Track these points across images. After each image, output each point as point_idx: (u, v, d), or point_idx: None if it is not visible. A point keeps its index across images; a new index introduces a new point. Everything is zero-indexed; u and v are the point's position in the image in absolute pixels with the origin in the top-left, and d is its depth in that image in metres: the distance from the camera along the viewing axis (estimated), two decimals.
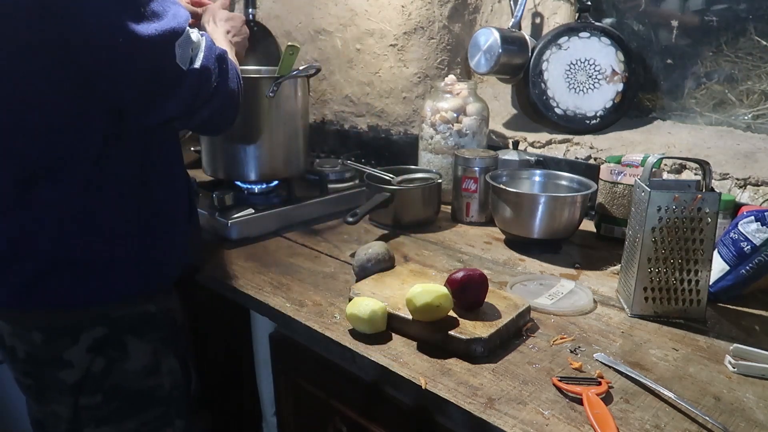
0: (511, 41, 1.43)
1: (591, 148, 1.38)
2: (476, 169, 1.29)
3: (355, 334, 0.85)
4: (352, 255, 1.05)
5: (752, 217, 0.92)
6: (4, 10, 0.67)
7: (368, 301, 0.85)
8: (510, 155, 1.37)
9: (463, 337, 0.79)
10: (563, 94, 1.43)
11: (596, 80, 1.41)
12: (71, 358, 0.82)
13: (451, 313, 0.84)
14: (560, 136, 1.43)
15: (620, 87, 1.41)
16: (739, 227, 0.93)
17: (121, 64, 0.72)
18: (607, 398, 0.71)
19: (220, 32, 1.01)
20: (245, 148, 1.29)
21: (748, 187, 1.15)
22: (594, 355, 0.80)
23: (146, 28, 0.71)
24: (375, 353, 0.80)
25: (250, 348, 1.30)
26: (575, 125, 1.43)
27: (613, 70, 1.40)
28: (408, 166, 1.45)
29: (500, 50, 1.41)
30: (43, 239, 0.79)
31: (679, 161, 1.23)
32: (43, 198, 0.78)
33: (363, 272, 0.99)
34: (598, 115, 1.42)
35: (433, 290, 0.81)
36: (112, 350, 0.85)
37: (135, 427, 0.88)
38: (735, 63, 1.28)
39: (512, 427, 0.66)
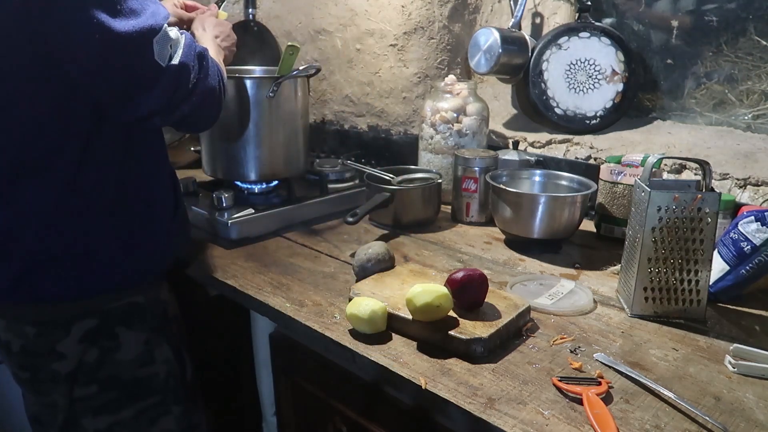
0: (511, 41, 1.43)
1: (591, 148, 1.38)
2: (476, 169, 1.29)
3: (355, 334, 0.85)
4: (352, 255, 1.05)
5: (752, 217, 0.92)
6: None
7: (368, 301, 0.85)
8: (510, 155, 1.37)
9: (463, 337, 0.79)
10: (563, 94, 1.43)
11: (596, 80, 1.41)
12: (64, 350, 0.84)
13: (451, 313, 0.84)
14: (560, 136, 1.43)
15: (620, 87, 1.41)
16: (739, 227, 0.93)
17: (98, 60, 0.73)
18: (607, 398, 0.71)
19: (208, 36, 1.04)
20: (245, 148, 1.29)
21: (748, 187, 1.15)
22: (594, 355, 0.80)
23: (123, 25, 0.71)
24: (375, 353, 0.80)
25: (250, 348, 1.30)
26: (575, 125, 1.43)
27: (613, 70, 1.40)
28: (408, 166, 1.45)
29: (500, 50, 1.41)
30: (28, 235, 0.80)
31: (679, 161, 1.23)
32: (28, 195, 0.79)
33: (363, 272, 0.99)
34: (598, 115, 1.42)
35: (433, 290, 0.81)
36: (104, 341, 0.86)
37: (132, 416, 0.90)
38: (735, 63, 1.28)
39: (512, 427, 0.66)
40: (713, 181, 1.17)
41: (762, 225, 0.90)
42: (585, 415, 0.67)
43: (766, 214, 0.90)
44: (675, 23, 1.35)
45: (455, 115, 1.40)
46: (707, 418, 0.66)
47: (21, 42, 0.71)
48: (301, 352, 1.00)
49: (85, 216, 0.82)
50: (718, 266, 0.94)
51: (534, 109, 1.46)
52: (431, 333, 0.82)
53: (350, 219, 1.17)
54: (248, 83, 1.25)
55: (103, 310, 0.86)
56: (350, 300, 0.88)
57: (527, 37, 1.46)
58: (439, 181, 1.33)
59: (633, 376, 0.74)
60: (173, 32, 0.80)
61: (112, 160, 0.83)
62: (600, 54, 1.40)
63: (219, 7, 1.61)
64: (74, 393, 0.86)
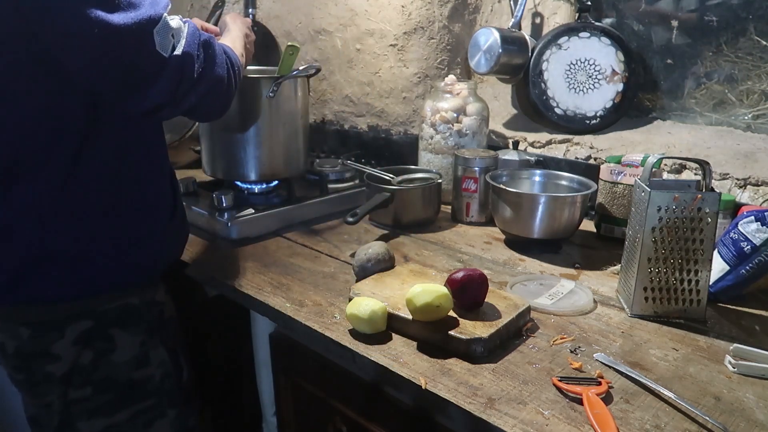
0: (511, 41, 1.43)
1: (591, 148, 1.38)
2: (476, 169, 1.29)
3: (355, 334, 0.85)
4: (352, 255, 1.05)
5: (752, 217, 0.92)
6: None
7: (368, 301, 0.85)
8: (510, 155, 1.37)
9: (463, 337, 0.79)
10: (563, 94, 1.43)
11: (596, 80, 1.41)
12: (58, 352, 0.83)
13: (451, 313, 0.84)
14: (560, 136, 1.43)
15: (620, 87, 1.41)
16: (739, 227, 0.93)
17: (99, 56, 0.72)
18: (607, 398, 0.71)
19: (238, 32, 1.04)
20: (245, 148, 1.29)
21: (748, 187, 1.15)
22: (594, 355, 0.80)
23: (121, 18, 0.71)
24: (375, 353, 0.80)
25: (250, 348, 1.30)
26: (575, 125, 1.43)
27: (613, 70, 1.40)
28: (408, 166, 1.45)
29: (500, 50, 1.41)
30: (23, 235, 0.79)
31: (679, 161, 1.23)
32: (23, 194, 0.78)
33: (363, 272, 0.99)
34: (598, 115, 1.42)
35: (433, 290, 0.81)
36: (99, 342, 0.86)
37: (127, 418, 0.89)
38: (735, 63, 1.28)
39: (512, 427, 0.66)
40: (713, 181, 1.17)
41: (762, 225, 0.90)
42: (585, 415, 0.67)
43: (766, 214, 0.90)
44: (675, 23, 1.35)
45: (455, 115, 1.40)
46: (707, 418, 0.66)
47: (15, 41, 0.71)
48: (301, 352, 1.00)
49: (79, 216, 0.81)
50: (718, 266, 0.94)
51: (534, 109, 1.46)
52: (431, 333, 0.82)
53: (350, 219, 1.17)
54: (248, 83, 1.25)
55: (98, 311, 0.85)
56: (350, 300, 0.88)
57: (527, 37, 1.46)
58: (439, 181, 1.33)
59: (633, 376, 0.74)
60: (174, 21, 0.78)
61: (108, 160, 0.83)
62: (600, 54, 1.40)
63: (220, 8, 1.62)
64: (69, 395, 0.85)
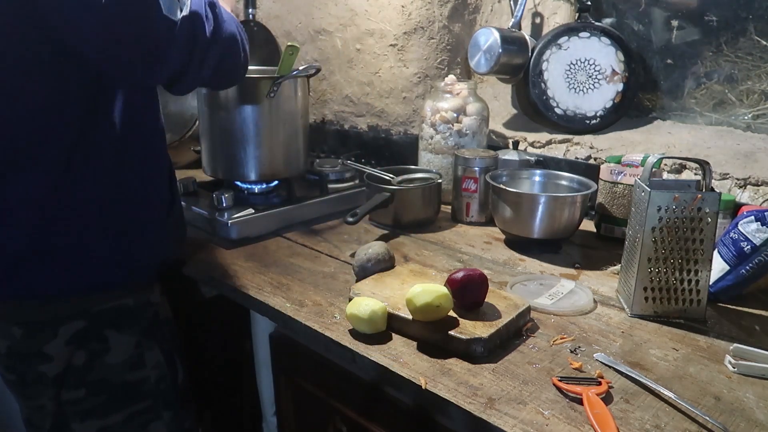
0: (511, 41, 1.43)
1: (591, 148, 1.38)
2: (476, 169, 1.29)
3: (355, 334, 0.85)
4: (352, 255, 1.05)
5: (752, 217, 0.92)
6: None
7: (368, 301, 0.85)
8: (510, 155, 1.37)
9: (463, 337, 0.79)
10: (563, 94, 1.43)
11: (596, 80, 1.41)
12: (51, 352, 0.83)
13: (451, 313, 0.84)
14: (560, 136, 1.43)
15: (620, 87, 1.41)
16: (739, 227, 0.93)
17: (109, 28, 0.70)
18: (607, 398, 0.71)
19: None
20: (245, 148, 1.29)
21: (748, 187, 1.15)
22: (594, 355, 0.80)
23: None
24: (375, 353, 0.80)
25: (250, 348, 1.30)
26: (575, 125, 1.43)
27: (613, 70, 1.40)
28: (408, 166, 1.45)
29: (500, 50, 1.41)
30: (17, 229, 0.79)
31: (679, 161, 1.23)
32: (18, 187, 0.77)
33: (363, 272, 0.99)
34: (598, 115, 1.42)
35: (433, 290, 0.81)
36: (93, 344, 0.85)
37: (122, 420, 0.89)
38: (735, 63, 1.28)
39: (512, 427, 0.66)
40: (713, 181, 1.17)
41: (762, 225, 0.90)
42: (585, 415, 0.67)
43: (766, 213, 0.90)
44: (675, 23, 1.35)
45: (455, 115, 1.40)
46: (707, 418, 0.66)
47: (21, 23, 0.70)
48: (301, 352, 1.00)
49: (74, 212, 0.81)
50: (718, 266, 0.94)
51: (534, 109, 1.46)
52: (431, 333, 0.82)
53: (350, 219, 1.17)
54: (248, 83, 1.25)
55: (92, 311, 0.84)
56: (350, 300, 0.88)
57: (527, 37, 1.46)
58: (439, 181, 1.33)
59: (633, 376, 0.74)
60: None
61: (103, 156, 0.82)
62: (600, 54, 1.40)
63: None
64: (62, 396, 0.85)
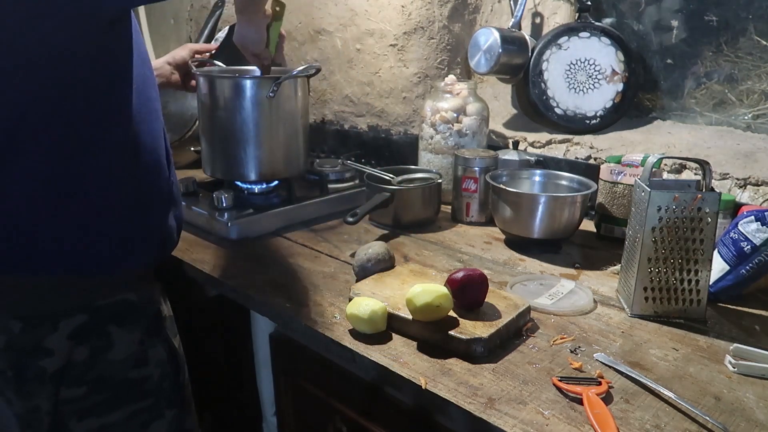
0: (511, 41, 1.43)
1: (591, 148, 1.38)
2: (476, 169, 1.29)
3: (355, 334, 0.85)
4: (352, 255, 1.05)
5: (752, 217, 0.92)
6: None
7: (368, 301, 0.85)
8: (510, 155, 1.37)
9: (463, 337, 0.79)
10: (563, 94, 1.43)
11: (596, 80, 1.41)
12: (51, 346, 0.81)
13: (451, 313, 0.84)
14: (560, 136, 1.43)
15: (620, 87, 1.41)
16: (739, 227, 0.93)
17: None
18: (607, 398, 0.71)
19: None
20: (245, 148, 1.29)
21: (748, 186, 1.15)
22: (594, 355, 0.80)
23: None
24: (375, 353, 0.80)
25: (250, 348, 1.30)
26: (575, 125, 1.43)
27: (613, 70, 1.40)
28: (408, 166, 1.45)
29: (500, 50, 1.41)
30: (18, 208, 0.77)
31: (679, 161, 1.23)
32: (19, 162, 0.76)
33: (363, 272, 0.99)
34: (598, 115, 1.42)
35: (433, 290, 0.81)
36: (95, 339, 0.84)
37: (123, 419, 0.87)
38: (735, 63, 1.28)
39: (512, 427, 0.66)
40: (713, 181, 1.17)
41: (762, 225, 0.90)
42: (585, 415, 0.67)
43: (766, 213, 0.90)
44: (675, 23, 1.35)
45: (455, 115, 1.40)
46: (707, 418, 0.66)
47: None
48: (301, 352, 1.00)
49: (83, 191, 0.79)
50: (718, 266, 0.94)
51: (534, 109, 1.46)
52: (431, 333, 0.82)
53: (350, 219, 1.17)
54: (248, 83, 1.25)
55: (94, 306, 0.83)
56: (350, 300, 0.88)
57: (527, 37, 1.46)
58: (439, 181, 1.33)
59: (633, 376, 0.74)
60: None
61: (114, 131, 0.80)
62: (600, 54, 1.40)
63: (220, 8, 1.62)
64: (60, 394, 0.84)
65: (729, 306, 0.95)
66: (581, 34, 1.41)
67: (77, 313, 0.83)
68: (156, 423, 0.91)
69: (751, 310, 0.94)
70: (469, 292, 0.85)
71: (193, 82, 1.35)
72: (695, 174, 1.21)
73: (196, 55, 1.37)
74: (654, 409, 0.69)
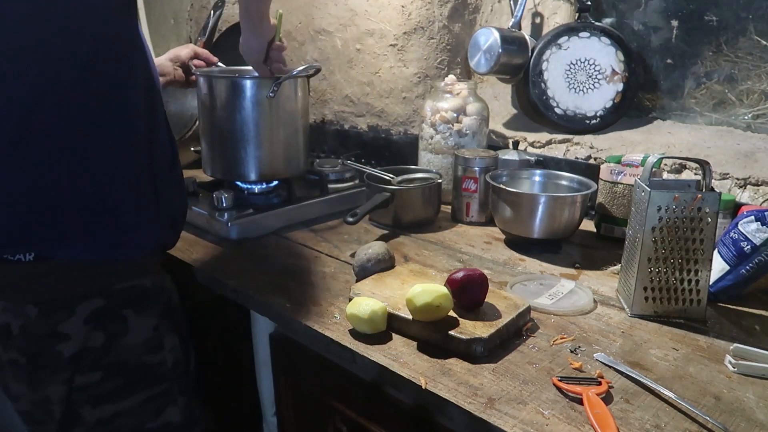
0: (511, 41, 1.43)
1: (591, 148, 1.38)
2: (476, 169, 1.29)
3: (355, 334, 0.85)
4: (352, 255, 1.05)
5: (752, 217, 0.92)
6: None
7: (368, 301, 0.85)
8: (510, 155, 1.37)
9: (463, 337, 0.79)
10: (563, 94, 1.43)
11: (596, 80, 1.41)
12: (68, 330, 0.81)
13: (451, 313, 0.84)
14: (560, 136, 1.44)
15: (620, 87, 1.41)
16: (739, 227, 0.93)
17: None
18: (607, 398, 0.71)
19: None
20: (245, 148, 1.29)
21: (748, 186, 1.15)
22: (594, 355, 0.80)
23: None
24: (375, 353, 0.80)
25: (250, 348, 1.30)
26: (575, 125, 1.43)
27: (613, 70, 1.40)
28: (408, 166, 1.45)
29: (500, 50, 1.41)
30: (35, 191, 0.77)
31: (679, 161, 1.23)
32: (37, 144, 0.76)
33: (363, 272, 0.99)
34: (598, 115, 1.42)
35: (433, 290, 0.81)
36: (111, 324, 0.84)
37: (137, 404, 0.87)
38: (735, 63, 1.28)
39: (512, 427, 0.66)
40: (713, 180, 1.17)
41: (762, 225, 0.90)
42: (585, 414, 0.67)
43: (766, 213, 0.90)
44: (675, 23, 1.35)
45: (455, 115, 1.40)
46: (707, 418, 0.66)
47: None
48: (301, 352, 1.00)
49: (107, 161, 0.80)
50: (718, 266, 0.94)
51: (534, 109, 1.46)
52: (431, 333, 0.82)
53: (350, 219, 1.17)
54: (248, 83, 1.25)
55: (110, 290, 0.83)
56: (350, 300, 0.88)
57: (527, 37, 1.46)
58: (439, 181, 1.33)
59: (633, 376, 0.74)
60: None
61: (137, 98, 0.82)
62: (600, 54, 1.40)
63: (220, 8, 1.62)
64: (75, 381, 0.83)
65: (729, 306, 0.95)
66: (581, 34, 1.41)
67: (94, 296, 0.82)
68: (169, 409, 0.91)
69: (751, 310, 0.94)
70: (469, 292, 0.85)
71: (194, 78, 1.35)
72: (695, 174, 1.21)
73: (196, 60, 1.37)
74: (654, 409, 0.69)
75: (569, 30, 1.42)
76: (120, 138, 0.81)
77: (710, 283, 0.90)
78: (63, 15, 0.74)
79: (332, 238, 1.24)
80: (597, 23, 1.41)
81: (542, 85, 1.44)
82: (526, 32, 1.50)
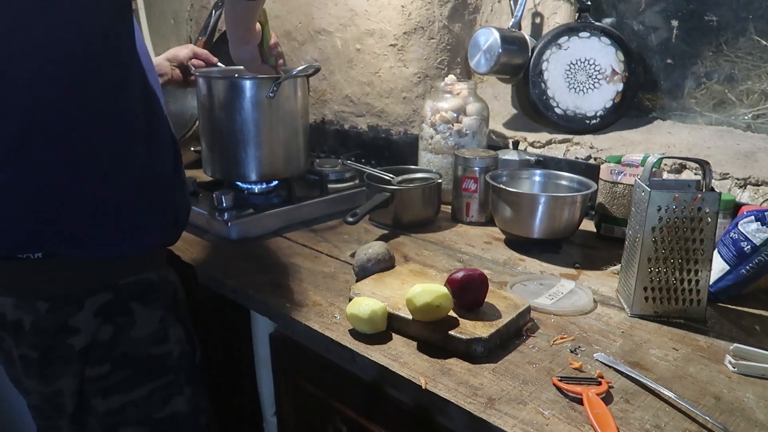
0: (511, 41, 1.43)
1: (591, 148, 1.38)
2: (476, 169, 1.29)
3: (355, 334, 0.85)
4: (352, 255, 1.05)
5: (752, 217, 0.92)
6: None
7: (368, 301, 0.85)
8: (510, 155, 1.37)
9: (463, 337, 0.79)
10: (563, 94, 1.43)
11: (596, 80, 1.41)
12: (78, 324, 0.82)
13: (451, 313, 0.84)
14: (560, 136, 1.43)
15: (620, 87, 1.41)
16: (739, 227, 0.93)
17: None
18: (607, 398, 0.71)
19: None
20: (245, 148, 1.29)
21: (748, 186, 1.15)
22: (594, 355, 0.80)
23: None
24: (375, 353, 0.80)
25: (250, 348, 1.30)
26: (575, 125, 1.43)
27: (613, 70, 1.40)
28: (408, 166, 1.45)
29: (500, 50, 1.41)
30: (41, 191, 0.78)
31: (679, 161, 1.23)
32: (41, 144, 0.76)
33: (363, 272, 0.99)
34: (598, 115, 1.42)
35: (433, 290, 0.81)
36: (119, 317, 0.85)
37: (146, 395, 0.89)
38: (735, 63, 1.28)
39: (512, 427, 0.66)
40: (713, 180, 1.17)
41: (762, 225, 0.90)
42: (585, 414, 0.67)
43: (766, 213, 0.90)
44: (675, 23, 1.35)
45: (455, 115, 1.40)
46: (707, 418, 0.66)
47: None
48: (301, 352, 1.00)
49: (108, 160, 0.81)
50: (718, 266, 0.94)
51: (534, 109, 1.46)
52: (431, 333, 0.82)
53: (350, 219, 1.17)
54: (248, 83, 1.25)
55: (117, 284, 0.85)
56: (350, 300, 0.88)
57: (527, 37, 1.46)
58: (439, 181, 1.33)
59: (633, 376, 0.74)
60: None
61: (134, 97, 0.83)
62: (600, 54, 1.40)
63: (220, 8, 1.62)
64: (85, 373, 0.85)
65: (729, 306, 0.95)
66: (581, 34, 1.41)
67: (102, 291, 0.84)
68: (176, 399, 0.92)
69: (751, 310, 0.94)
70: (469, 292, 0.85)
71: (193, 78, 1.35)
72: (695, 174, 1.21)
73: (195, 60, 1.37)
74: (654, 409, 0.69)
75: (569, 30, 1.42)
76: (119, 139, 0.82)
77: (710, 283, 0.90)
78: (59, 18, 0.74)
79: (332, 238, 1.24)
80: (597, 23, 1.41)
81: (542, 85, 1.44)
82: (526, 32, 1.50)
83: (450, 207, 1.38)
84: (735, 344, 0.80)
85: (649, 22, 1.39)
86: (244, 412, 1.46)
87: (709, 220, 0.86)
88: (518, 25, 1.49)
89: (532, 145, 1.47)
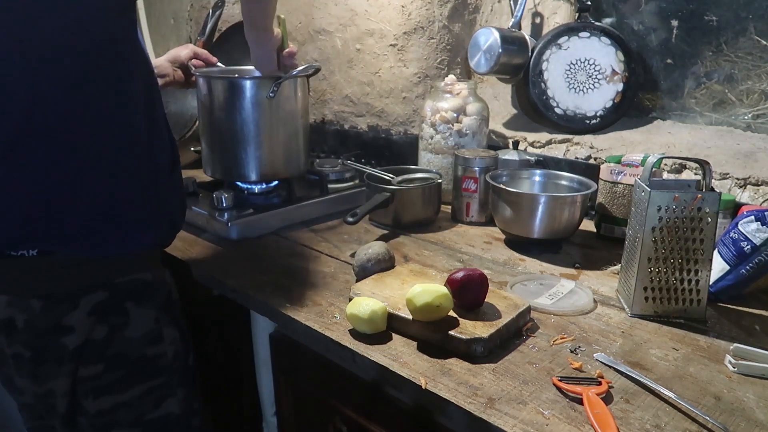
0: (511, 41, 1.43)
1: (591, 148, 1.38)
2: (476, 169, 1.29)
3: (355, 334, 0.85)
4: (352, 255, 1.05)
5: (752, 217, 0.92)
6: None
7: (368, 301, 0.85)
8: (510, 155, 1.37)
9: (463, 337, 0.79)
10: (563, 94, 1.43)
11: (596, 80, 1.41)
12: (72, 323, 0.82)
13: (451, 313, 0.84)
14: (560, 136, 1.44)
15: (620, 87, 1.41)
16: (739, 227, 0.93)
17: None
18: (607, 398, 0.71)
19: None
20: (245, 148, 1.29)
21: (748, 186, 1.15)
22: (594, 355, 0.80)
23: None
24: (375, 353, 0.80)
25: (250, 348, 1.30)
26: (575, 125, 1.43)
27: (613, 70, 1.40)
28: (408, 166, 1.45)
29: (500, 50, 1.41)
30: (40, 188, 0.77)
31: (679, 161, 1.23)
32: (40, 141, 0.76)
33: (363, 272, 0.99)
34: (598, 115, 1.42)
35: (433, 290, 0.81)
36: (113, 317, 0.85)
37: (138, 396, 0.88)
38: (735, 63, 1.28)
39: (512, 427, 0.66)
40: (713, 180, 1.17)
41: (762, 225, 0.90)
42: (585, 414, 0.67)
43: (766, 213, 0.90)
44: (675, 23, 1.35)
45: (455, 115, 1.40)
46: (707, 418, 0.66)
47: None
48: (301, 352, 1.00)
49: (108, 158, 0.81)
50: (718, 266, 0.94)
51: (534, 109, 1.46)
52: (431, 333, 0.82)
53: (350, 219, 1.17)
54: (248, 83, 1.25)
55: (113, 283, 0.84)
56: (350, 300, 0.88)
57: (527, 37, 1.46)
58: (439, 181, 1.33)
59: (633, 375, 0.74)
60: None
61: (138, 95, 0.83)
62: (600, 54, 1.40)
63: (220, 8, 1.62)
64: (78, 373, 0.84)
65: (729, 306, 0.95)
66: (581, 34, 1.41)
67: (97, 289, 0.83)
68: (169, 400, 0.92)
69: (751, 310, 0.94)
70: (469, 292, 0.85)
71: (194, 78, 1.36)
72: (695, 174, 1.21)
73: (195, 60, 1.37)
74: (654, 409, 0.69)
75: (569, 30, 1.42)
76: (120, 138, 0.82)
77: (710, 283, 0.90)
78: (63, 15, 0.74)
79: (332, 238, 1.24)
80: (597, 23, 1.41)
81: (542, 85, 1.44)
82: (526, 32, 1.50)
83: (450, 207, 1.38)
84: (735, 344, 0.80)
85: (649, 22, 1.39)
86: (244, 412, 1.46)
87: (709, 220, 0.86)
88: (518, 25, 1.49)
89: (532, 145, 1.47)
